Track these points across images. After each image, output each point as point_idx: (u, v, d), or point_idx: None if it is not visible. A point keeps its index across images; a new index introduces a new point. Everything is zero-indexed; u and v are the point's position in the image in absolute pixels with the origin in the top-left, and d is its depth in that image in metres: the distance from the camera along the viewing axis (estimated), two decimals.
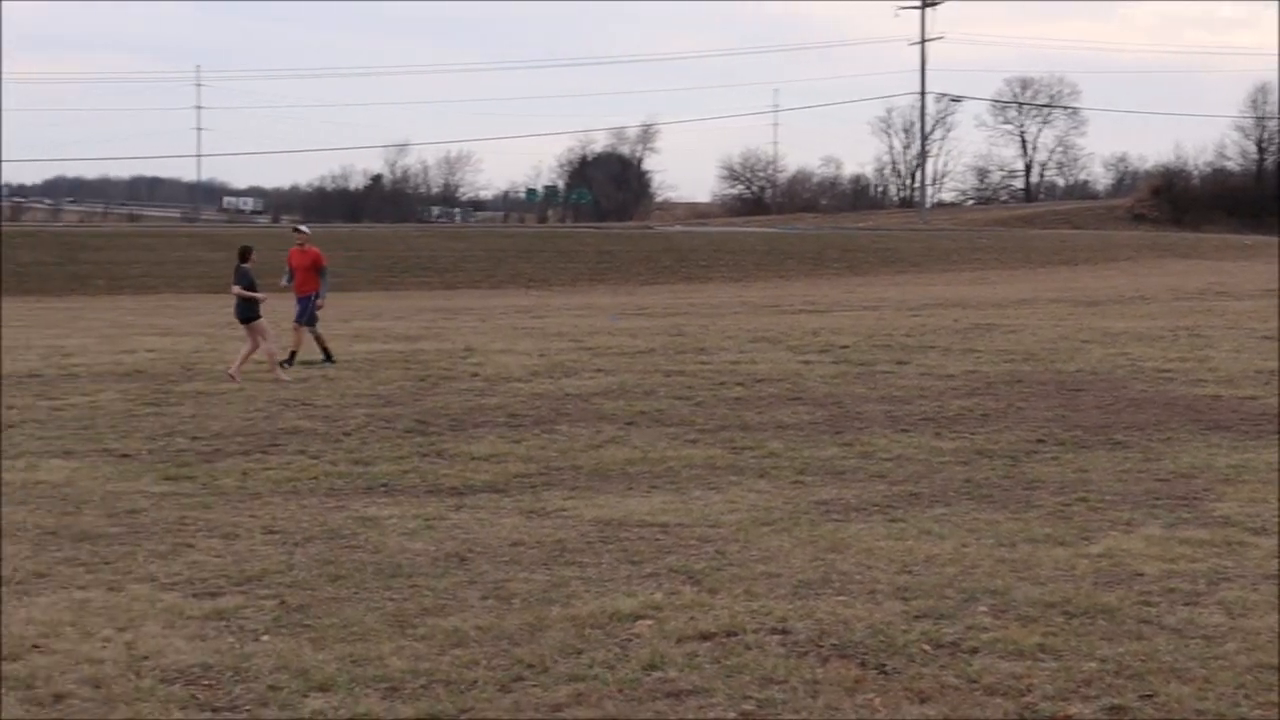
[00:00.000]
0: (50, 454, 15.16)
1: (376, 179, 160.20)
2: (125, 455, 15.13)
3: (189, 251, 68.76)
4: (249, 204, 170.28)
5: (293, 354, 24.17)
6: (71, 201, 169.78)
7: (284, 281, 25.09)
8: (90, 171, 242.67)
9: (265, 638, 8.38)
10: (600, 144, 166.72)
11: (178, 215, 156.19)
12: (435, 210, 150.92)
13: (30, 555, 10.50)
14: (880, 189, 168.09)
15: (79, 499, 12.71)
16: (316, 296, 24.75)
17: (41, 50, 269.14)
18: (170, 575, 9.92)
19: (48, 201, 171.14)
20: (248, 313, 22.72)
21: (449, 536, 11.12)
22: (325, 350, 24.66)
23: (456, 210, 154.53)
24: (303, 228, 26.41)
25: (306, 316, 24.58)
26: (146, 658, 7.97)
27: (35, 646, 8.18)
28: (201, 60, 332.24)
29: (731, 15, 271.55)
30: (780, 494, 12.79)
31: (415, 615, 8.83)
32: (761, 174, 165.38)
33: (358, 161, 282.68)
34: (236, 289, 22.87)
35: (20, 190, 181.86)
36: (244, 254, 23.16)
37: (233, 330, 33.30)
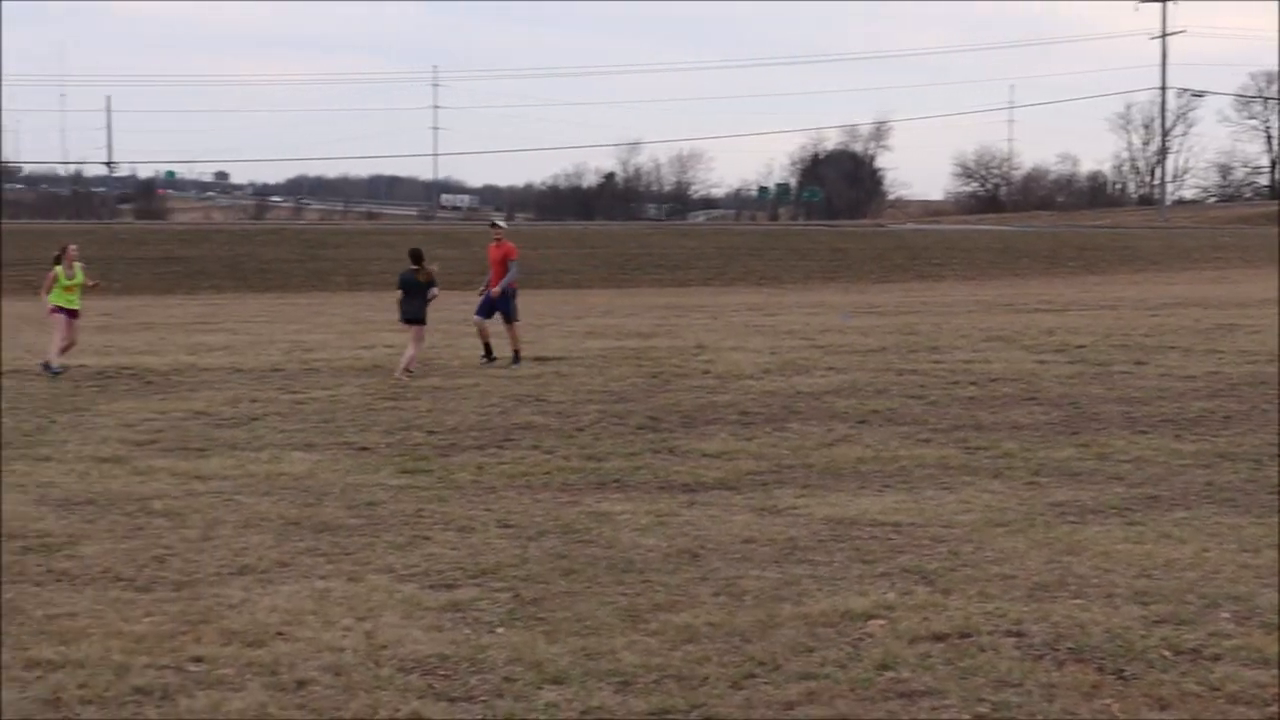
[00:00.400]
0: (292, 446, 15.52)
1: (609, 177, 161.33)
2: (364, 448, 15.43)
3: (426, 249, 69.94)
4: (465, 201, 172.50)
5: (516, 354, 24.16)
6: (305, 201, 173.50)
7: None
8: (331, 171, 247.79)
9: (500, 630, 8.49)
10: (833, 141, 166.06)
11: (414, 213, 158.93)
12: (651, 209, 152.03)
13: (274, 545, 10.77)
14: (1118, 186, 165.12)
15: (320, 491, 13.00)
16: (506, 286, 24.58)
17: (282, 51, 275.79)
18: (408, 566, 10.10)
19: (290, 200, 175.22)
20: (413, 314, 22.78)
21: (680, 533, 11.16)
22: (487, 347, 24.53)
23: (653, 206, 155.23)
24: (500, 223, 26.36)
25: (511, 311, 24.44)
26: (385, 647, 8.12)
27: (279, 634, 8.38)
28: (439, 60, 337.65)
29: (966, 12, 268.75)
30: (1015, 495, 12.62)
31: (647, 610, 8.88)
32: (996, 171, 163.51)
33: (591, 160, 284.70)
34: (433, 293, 22.99)
35: (264, 189, 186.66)
36: (415, 257, 23.26)
37: (466, 327, 33.81)
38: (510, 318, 24.53)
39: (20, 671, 7.68)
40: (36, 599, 9.22)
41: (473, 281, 61.16)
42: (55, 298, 23.71)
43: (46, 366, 22.90)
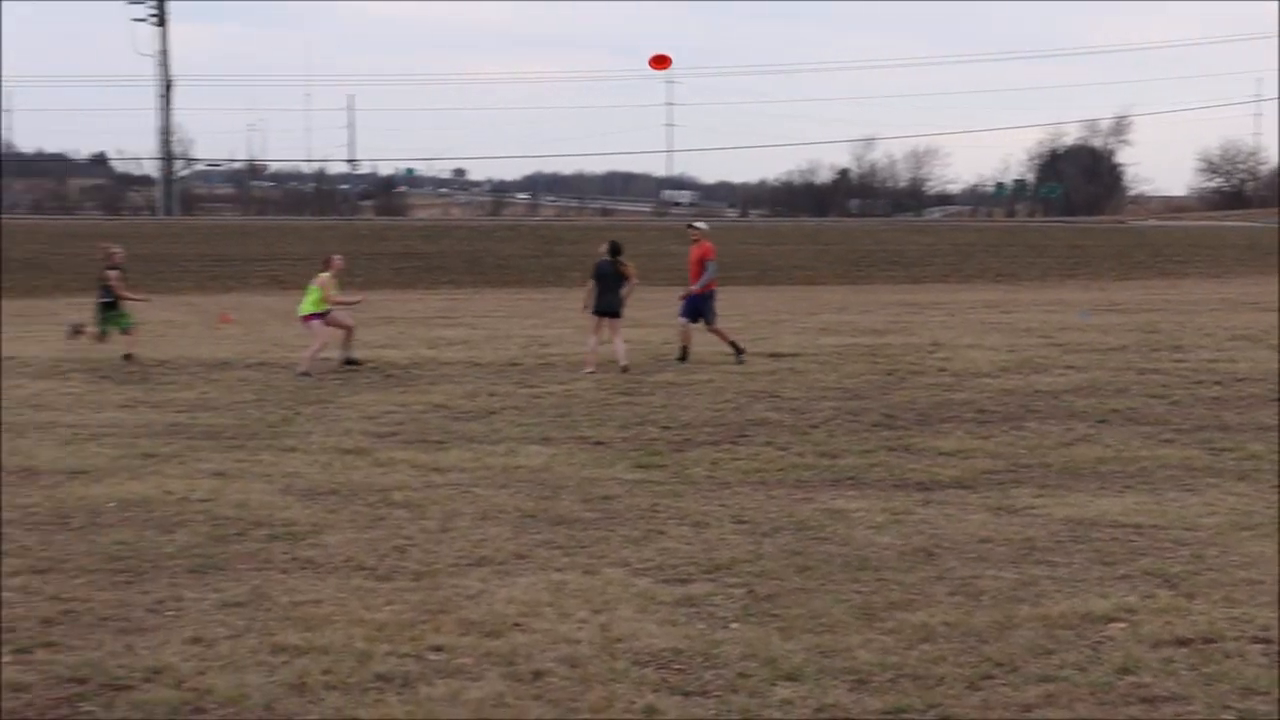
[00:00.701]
0: (529, 440, 15.69)
1: (843, 173, 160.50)
2: (599, 443, 15.55)
3: (659, 245, 70.23)
4: (686, 196, 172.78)
5: (736, 347, 24.05)
6: (549, 199, 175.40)
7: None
8: (566, 168, 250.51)
9: (734, 625, 8.50)
10: (1072, 136, 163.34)
11: (648, 209, 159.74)
12: (853, 204, 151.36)
13: (511, 537, 10.90)
14: None
15: (556, 484, 13.14)
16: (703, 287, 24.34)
17: (520, 50, 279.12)
18: (642, 560, 10.16)
19: (526, 196, 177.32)
20: (609, 307, 22.83)
21: (916, 531, 11.07)
22: (683, 350, 24.27)
23: (856, 202, 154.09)
24: (698, 224, 25.79)
25: (710, 314, 24.22)
26: (620, 640, 8.18)
27: (516, 625, 8.49)
28: (674, 57, 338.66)
29: (1210, 5, 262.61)
30: (1261, 497, 12.30)
31: (883, 609, 8.83)
32: (1242, 166, 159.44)
33: (825, 156, 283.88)
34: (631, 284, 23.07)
35: (501, 186, 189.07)
36: (614, 250, 23.20)
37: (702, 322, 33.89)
38: (709, 320, 24.36)
39: (267, 656, 7.88)
40: (282, 586, 9.44)
41: None
42: (310, 307, 23.73)
43: (305, 374, 23.27)
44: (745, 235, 75.92)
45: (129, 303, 25.19)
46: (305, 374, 22.33)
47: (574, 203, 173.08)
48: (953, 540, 10.75)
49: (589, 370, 22.27)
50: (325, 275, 23.70)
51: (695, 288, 24.42)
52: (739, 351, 23.90)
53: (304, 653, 7.92)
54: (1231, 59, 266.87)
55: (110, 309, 25.03)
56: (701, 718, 6.98)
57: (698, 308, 24.40)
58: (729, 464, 14.17)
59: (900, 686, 7.37)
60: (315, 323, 23.55)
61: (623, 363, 22.35)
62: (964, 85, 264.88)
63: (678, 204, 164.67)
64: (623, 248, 23.38)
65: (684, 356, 24.28)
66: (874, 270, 65.80)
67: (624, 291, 23.05)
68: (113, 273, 25.04)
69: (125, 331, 24.90)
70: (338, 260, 24.09)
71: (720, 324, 24.57)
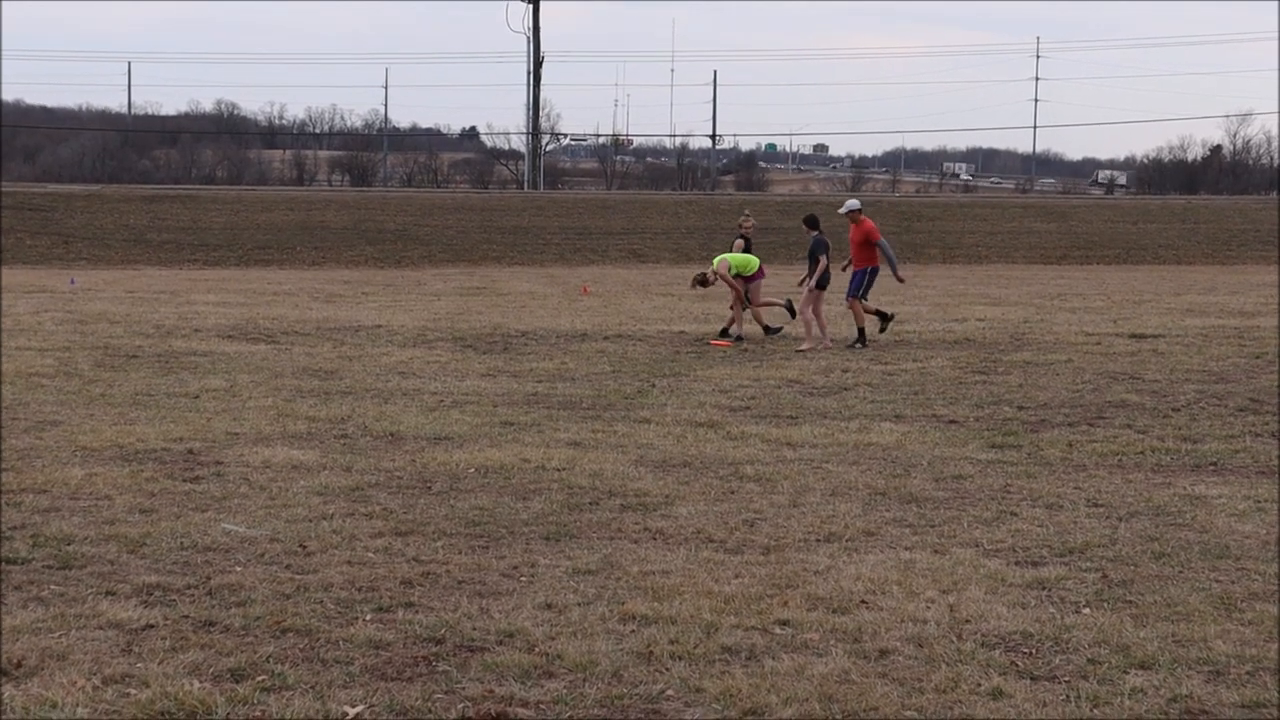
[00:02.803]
0: (882, 417, 15.62)
1: (1215, 150, 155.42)
2: (953, 421, 15.39)
3: (1021, 222, 69.14)
4: (1109, 177, 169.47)
5: (862, 333, 23.26)
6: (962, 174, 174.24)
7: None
8: (928, 143, 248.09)
9: (1086, 610, 8.34)
10: None
11: (1011, 186, 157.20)
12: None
13: (860, 514, 10.88)
14: None
15: (908, 462, 13.05)
16: (870, 272, 23.69)
17: (881, 24, 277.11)
18: (993, 542, 10.04)
19: (886, 171, 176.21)
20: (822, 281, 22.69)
21: None
22: (861, 329, 23.38)
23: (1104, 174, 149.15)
24: (853, 205, 24.59)
25: (856, 289, 23.52)
26: (968, 621, 8.09)
27: (863, 602, 8.46)
28: (1041, 32, 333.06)
29: None
30: None
31: (1243, 599, 8.56)
32: None
33: (1197, 132, 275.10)
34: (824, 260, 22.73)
35: (861, 161, 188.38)
36: (811, 222, 22.94)
37: (1063, 301, 33.27)
38: (855, 292, 23.55)
39: (615, 624, 8.01)
40: (633, 555, 9.59)
41: (1068, 256, 60.21)
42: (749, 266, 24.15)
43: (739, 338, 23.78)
44: (1111, 213, 74.13)
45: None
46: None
47: (935, 179, 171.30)
48: None
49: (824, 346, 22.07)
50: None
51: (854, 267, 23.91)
52: (861, 339, 23.16)
53: (652, 622, 8.03)
54: None
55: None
56: (1049, 702, 6.87)
57: (855, 282, 23.73)
58: (1085, 446, 13.89)
59: (1259, 680, 7.13)
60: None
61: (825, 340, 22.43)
62: None
63: (1113, 184, 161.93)
64: (818, 221, 23.21)
65: (877, 329, 23.93)
66: (1245, 250, 63.65)
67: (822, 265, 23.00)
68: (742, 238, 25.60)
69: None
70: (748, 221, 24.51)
71: (860, 305, 23.67)
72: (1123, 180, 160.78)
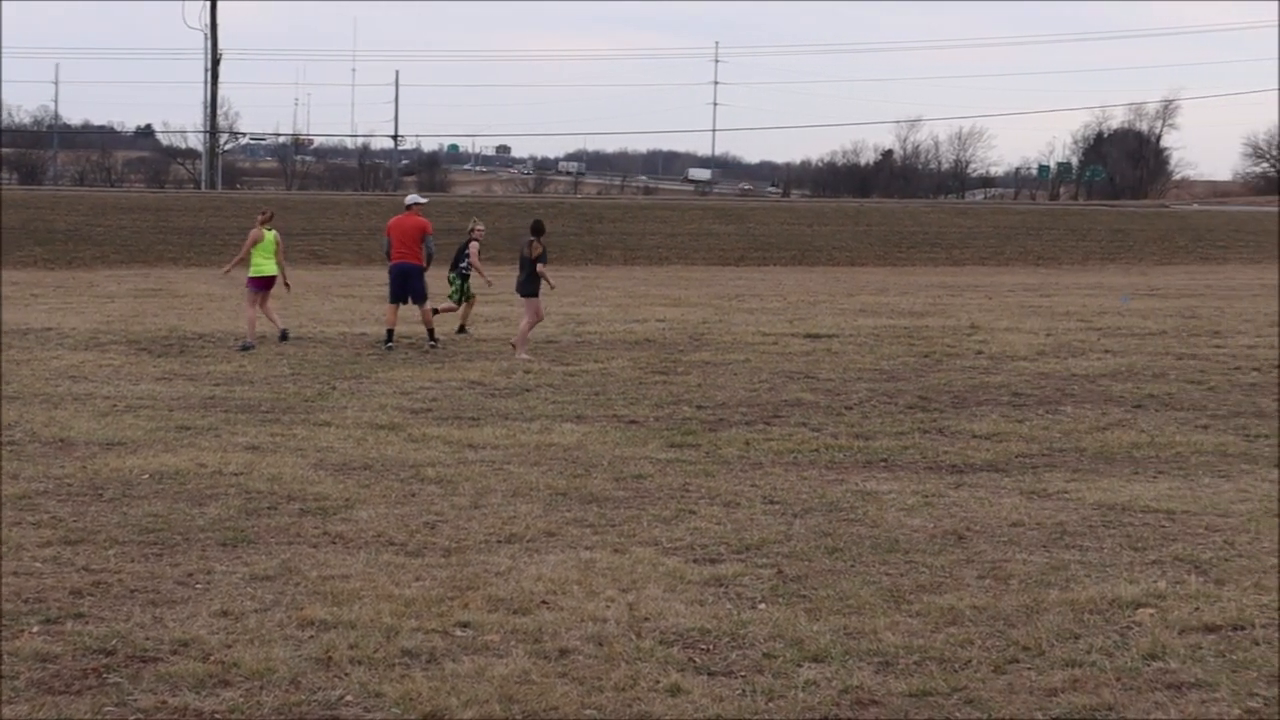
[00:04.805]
0: (563, 418, 15.71)
1: (887, 154, 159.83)
2: (633, 421, 15.55)
3: (700, 224, 70.14)
4: (707, 174, 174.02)
5: (432, 334, 23.07)
6: (580, 172, 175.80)
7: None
8: (609, 146, 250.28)
9: (761, 606, 8.51)
10: (1118, 119, 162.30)
11: (691, 189, 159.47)
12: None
13: (541, 515, 10.92)
14: None
15: (588, 462, 13.15)
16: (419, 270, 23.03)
17: (565, 27, 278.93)
18: (672, 540, 10.17)
19: (569, 172, 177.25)
20: (528, 288, 22.31)
21: (947, 514, 11.06)
22: (431, 329, 23.13)
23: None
24: (418, 198, 24.35)
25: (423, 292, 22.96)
26: (647, 619, 8.19)
27: (543, 602, 8.50)
28: (720, 36, 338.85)
29: None
30: None
31: (911, 591, 8.82)
32: None
33: (870, 137, 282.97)
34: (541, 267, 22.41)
35: (543, 163, 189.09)
36: (536, 229, 22.50)
37: (741, 302, 33.87)
38: (419, 299, 23.02)
39: (294, 631, 7.92)
40: (312, 560, 9.48)
41: (746, 257, 61.27)
42: (273, 268, 23.28)
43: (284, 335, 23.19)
44: (787, 216, 75.72)
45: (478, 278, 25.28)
46: (248, 347, 22.22)
47: (616, 180, 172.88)
48: (984, 524, 10.72)
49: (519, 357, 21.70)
50: (274, 233, 23.35)
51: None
52: (433, 337, 22.96)
53: (331, 627, 7.95)
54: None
55: (466, 280, 25.25)
56: (726, 697, 6.98)
57: (420, 285, 23.04)
58: (762, 444, 14.16)
59: (925, 669, 7.36)
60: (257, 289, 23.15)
61: (520, 350, 21.77)
62: (1011, 67, 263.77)
63: (698, 181, 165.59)
64: (544, 227, 22.74)
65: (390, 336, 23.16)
66: (915, 252, 65.59)
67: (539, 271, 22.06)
68: (474, 246, 25.03)
69: (463, 302, 25.31)
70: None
71: (430, 306, 23.40)
72: (706, 175, 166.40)
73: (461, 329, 24.98)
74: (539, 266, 21.89)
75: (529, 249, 22.10)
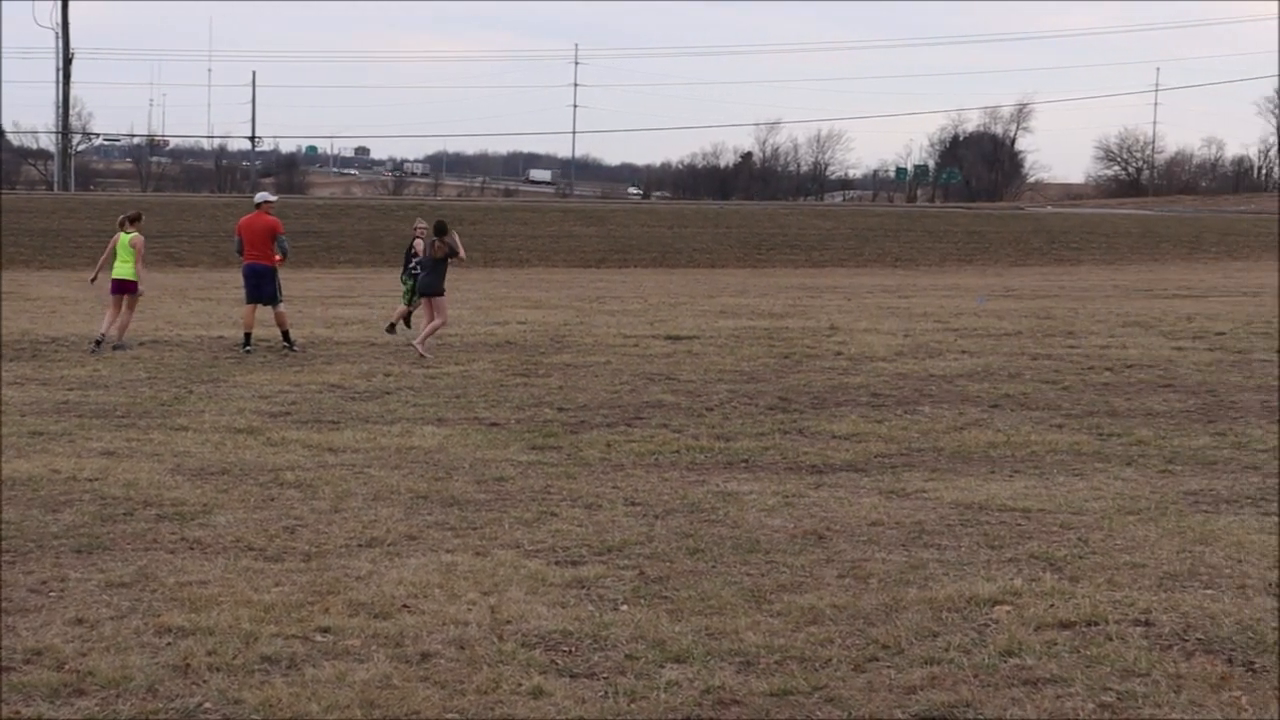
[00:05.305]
0: (424, 420, 15.64)
1: (747, 157, 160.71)
2: (494, 424, 15.51)
3: (561, 226, 70.12)
4: (548, 175, 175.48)
5: (288, 337, 22.96)
6: (415, 173, 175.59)
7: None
8: (470, 147, 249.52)
9: (624, 607, 8.51)
10: (973, 123, 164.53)
11: (551, 191, 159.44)
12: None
13: (402, 518, 10.86)
14: (1264, 171, 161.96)
15: (449, 465, 13.09)
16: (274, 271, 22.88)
17: (426, 28, 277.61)
18: (534, 542, 10.15)
19: (427, 174, 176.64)
20: (429, 287, 22.47)
21: (807, 514, 11.13)
22: (286, 331, 23.07)
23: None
24: (269, 196, 24.13)
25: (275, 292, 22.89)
26: (509, 622, 8.17)
27: (405, 606, 8.45)
28: (580, 38, 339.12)
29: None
30: (1148, 483, 12.46)
31: (772, 591, 8.86)
32: (1139, 155, 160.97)
33: (729, 139, 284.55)
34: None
35: (401, 165, 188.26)
36: (439, 229, 22.65)
37: (602, 304, 33.90)
38: (275, 301, 22.89)
39: (151, 638, 7.81)
40: (169, 566, 9.36)
41: (607, 259, 61.31)
42: (129, 273, 22.89)
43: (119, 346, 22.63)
44: (648, 218, 75.91)
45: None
46: (120, 346, 22.02)
47: (477, 182, 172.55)
48: (843, 523, 10.80)
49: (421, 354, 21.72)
50: (138, 235, 22.86)
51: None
52: (286, 339, 22.80)
53: (189, 634, 7.85)
54: (1134, 49, 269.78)
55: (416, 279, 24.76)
56: (588, 699, 6.98)
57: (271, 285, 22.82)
58: (623, 446, 14.18)
59: (786, 669, 7.40)
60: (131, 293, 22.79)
61: (420, 346, 21.99)
62: (869, 70, 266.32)
63: (539, 183, 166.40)
64: (448, 227, 22.86)
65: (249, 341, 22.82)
66: (774, 254, 66.00)
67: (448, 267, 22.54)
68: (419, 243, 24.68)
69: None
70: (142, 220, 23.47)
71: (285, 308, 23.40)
72: (546, 176, 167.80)
73: (391, 328, 25.11)
74: (457, 254, 22.42)
75: (434, 249, 22.46)
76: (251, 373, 19.69)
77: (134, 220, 23.06)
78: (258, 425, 15.17)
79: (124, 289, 22.82)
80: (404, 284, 25.44)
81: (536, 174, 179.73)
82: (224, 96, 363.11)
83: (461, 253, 22.53)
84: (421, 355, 21.60)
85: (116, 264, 22.86)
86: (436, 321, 22.34)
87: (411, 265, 24.92)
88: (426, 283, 22.51)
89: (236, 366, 20.45)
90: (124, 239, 22.83)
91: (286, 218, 24.58)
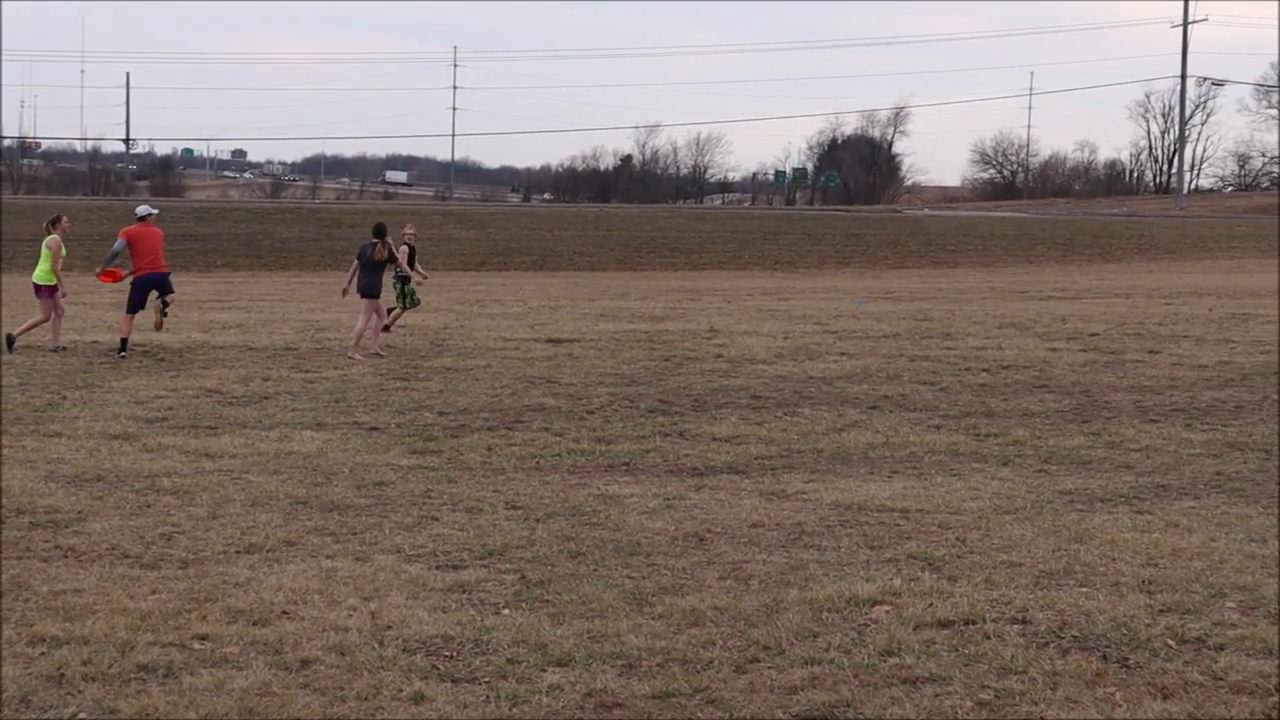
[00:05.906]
0: (303, 425, 15.52)
1: (626, 160, 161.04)
2: (374, 428, 15.43)
3: (441, 229, 69.87)
4: (404, 177, 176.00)
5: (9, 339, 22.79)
6: (287, 177, 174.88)
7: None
8: (348, 150, 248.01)
9: (505, 611, 8.49)
10: (851, 126, 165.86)
11: (431, 193, 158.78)
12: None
13: (281, 524, 10.77)
14: (1136, 174, 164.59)
15: (329, 470, 13.00)
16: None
17: (301, 29, 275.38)
18: (415, 547, 10.10)
19: (305, 179, 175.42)
20: (367, 289, 22.65)
21: (689, 516, 11.15)
22: (124, 339, 22.77)
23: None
24: (150, 209, 23.83)
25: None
26: (390, 627, 8.12)
27: (284, 613, 8.38)
28: (459, 41, 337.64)
29: (986, 1, 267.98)
30: (1024, 482, 12.60)
31: (653, 594, 8.87)
32: (1014, 158, 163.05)
33: (609, 142, 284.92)
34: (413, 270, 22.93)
35: (281, 168, 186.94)
36: (378, 232, 22.89)
37: (483, 308, 33.81)
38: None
39: (24, 648, 7.69)
40: (43, 575, 9.22)
41: (487, 262, 61.18)
42: (45, 277, 23.05)
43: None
44: (528, 221, 75.80)
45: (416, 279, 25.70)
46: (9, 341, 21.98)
47: (355, 185, 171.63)
48: (724, 525, 10.84)
49: (365, 355, 22.14)
50: (56, 238, 22.98)
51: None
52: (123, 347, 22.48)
53: (63, 643, 7.74)
54: (1009, 53, 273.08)
55: (406, 283, 25.42)
56: (470, 704, 6.96)
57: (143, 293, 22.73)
58: (504, 450, 14.15)
59: (668, 671, 7.40)
60: (46, 296, 22.86)
61: (351, 349, 22.37)
62: (748, 74, 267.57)
63: (396, 184, 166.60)
64: (386, 230, 23.07)
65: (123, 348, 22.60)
66: (654, 257, 66.15)
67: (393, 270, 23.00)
68: (405, 249, 25.21)
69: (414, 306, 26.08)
70: (65, 222, 23.58)
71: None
72: (403, 178, 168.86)
73: (386, 328, 25.20)
74: (410, 266, 23.57)
75: (374, 251, 22.66)
76: (127, 378, 19.45)
77: (54, 223, 23.03)
78: (133, 431, 14.99)
79: (38, 292, 22.87)
80: (394, 288, 25.41)
81: (393, 175, 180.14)
82: (98, 98, 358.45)
83: (401, 261, 22.85)
84: (356, 358, 21.94)
85: (36, 267, 22.99)
86: (361, 321, 22.65)
87: (397, 269, 24.89)
88: (365, 284, 22.61)
89: (111, 371, 20.20)
90: (43, 242, 22.89)
91: (160, 221, 24.27)
